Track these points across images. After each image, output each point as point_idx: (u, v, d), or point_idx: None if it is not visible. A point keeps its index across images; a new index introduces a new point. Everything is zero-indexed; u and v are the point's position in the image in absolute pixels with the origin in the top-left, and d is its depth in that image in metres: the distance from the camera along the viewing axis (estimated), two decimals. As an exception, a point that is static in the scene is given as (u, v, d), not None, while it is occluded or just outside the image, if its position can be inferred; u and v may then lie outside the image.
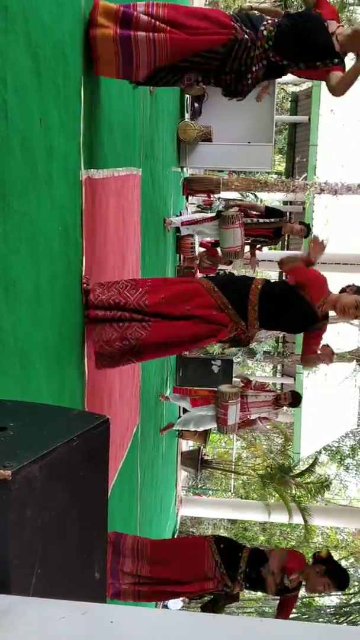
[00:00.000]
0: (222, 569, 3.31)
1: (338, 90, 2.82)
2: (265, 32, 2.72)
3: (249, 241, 6.81)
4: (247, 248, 6.87)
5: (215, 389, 6.44)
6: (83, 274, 2.78)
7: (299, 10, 2.78)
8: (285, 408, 6.86)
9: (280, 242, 8.69)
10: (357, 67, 2.72)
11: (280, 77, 3.15)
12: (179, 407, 8.02)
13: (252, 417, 6.57)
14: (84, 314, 2.82)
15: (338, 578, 3.27)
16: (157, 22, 2.65)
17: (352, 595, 12.88)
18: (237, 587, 3.35)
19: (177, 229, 7.82)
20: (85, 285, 2.81)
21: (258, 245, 7.06)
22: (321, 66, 2.84)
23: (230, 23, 2.71)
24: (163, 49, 2.66)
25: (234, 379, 8.47)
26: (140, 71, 2.76)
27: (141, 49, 2.66)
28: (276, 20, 2.79)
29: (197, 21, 2.68)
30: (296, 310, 2.99)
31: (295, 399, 6.35)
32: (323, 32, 2.76)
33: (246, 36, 2.71)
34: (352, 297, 2.92)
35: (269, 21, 2.78)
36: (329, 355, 3.07)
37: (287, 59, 2.84)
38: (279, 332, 11.78)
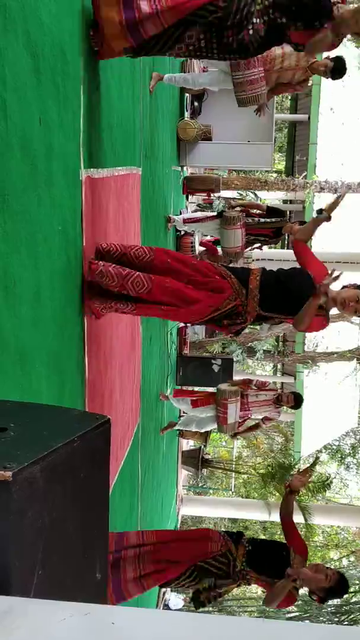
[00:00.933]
0: (226, 537, 3.44)
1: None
2: None
3: (250, 239, 6.80)
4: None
5: (215, 389, 6.44)
6: (86, 257, 2.82)
7: None
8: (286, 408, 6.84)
9: (280, 242, 8.68)
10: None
11: (281, 44, 3.03)
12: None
13: (253, 416, 6.55)
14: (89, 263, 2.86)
15: (338, 583, 3.25)
16: None
17: (353, 594, 12.87)
18: (240, 555, 3.33)
19: (177, 229, 7.81)
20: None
21: (258, 245, 7.05)
22: (317, 26, 2.78)
23: None
24: (165, 13, 2.61)
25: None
26: (148, 29, 2.68)
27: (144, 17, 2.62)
28: None
29: None
30: (299, 285, 3.05)
31: (297, 402, 6.25)
32: None
33: None
34: (353, 290, 2.97)
35: None
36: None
37: (286, 16, 2.76)
38: (279, 331, 11.77)
